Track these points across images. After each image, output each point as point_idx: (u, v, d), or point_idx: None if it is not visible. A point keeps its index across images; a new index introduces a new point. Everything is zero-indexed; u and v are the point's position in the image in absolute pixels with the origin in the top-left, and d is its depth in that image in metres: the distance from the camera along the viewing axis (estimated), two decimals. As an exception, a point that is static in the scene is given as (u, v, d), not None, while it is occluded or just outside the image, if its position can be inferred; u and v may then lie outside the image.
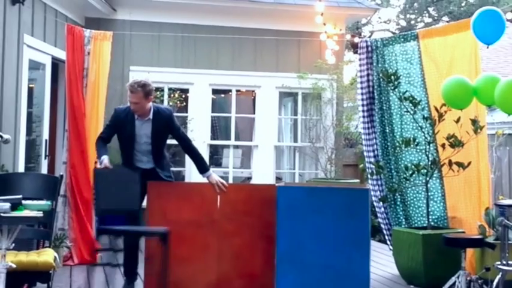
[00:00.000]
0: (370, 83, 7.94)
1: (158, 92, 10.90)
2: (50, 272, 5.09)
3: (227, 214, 6.33)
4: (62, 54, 8.52)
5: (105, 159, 6.21)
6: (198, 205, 6.33)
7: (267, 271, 6.26)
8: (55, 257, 5.09)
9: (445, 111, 7.15)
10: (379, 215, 7.91)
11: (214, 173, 6.40)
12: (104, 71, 8.30)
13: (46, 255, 5.07)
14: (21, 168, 7.78)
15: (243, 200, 6.35)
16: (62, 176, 6.07)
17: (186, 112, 10.94)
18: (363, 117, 7.96)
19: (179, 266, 6.27)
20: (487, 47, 6.76)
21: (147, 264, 6.28)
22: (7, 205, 4.49)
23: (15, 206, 4.57)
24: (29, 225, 5.68)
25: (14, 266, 4.67)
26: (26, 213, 4.58)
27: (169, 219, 6.27)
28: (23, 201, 4.65)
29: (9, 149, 7.47)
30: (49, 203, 4.84)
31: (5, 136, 5.48)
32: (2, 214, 4.45)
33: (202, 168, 6.42)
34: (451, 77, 6.94)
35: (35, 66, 8.43)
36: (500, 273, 6.12)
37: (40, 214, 4.61)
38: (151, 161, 6.47)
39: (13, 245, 4.68)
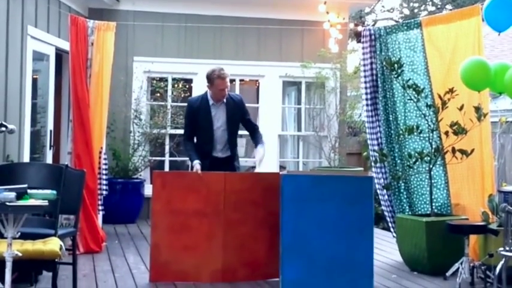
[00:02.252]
0: (374, 72, 7.94)
1: (162, 82, 10.94)
2: (56, 260, 5.12)
3: (232, 203, 6.37)
4: (65, 45, 8.54)
5: (197, 164, 6.47)
6: (203, 195, 6.36)
7: (272, 259, 6.30)
8: (61, 246, 5.12)
9: (449, 99, 7.15)
10: (382, 202, 7.94)
11: (262, 149, 6.66)
12: (108, 62, 8.33)
13: (52, 244, 5.10)
14: (26, 159, 7.82)
15: (248, 189, 6.39)
16: (66, 166, 6.09)
17: (190, 102, 10.94)
18: (367, 105, 7.97)
19: (185, 255, 6.31)
20: (498, 34, 6.77)
21: (153, 253, 6.31)
22: (13, 194, 4.52)
23: (21, 195, 4.60)
24: (35, 214, 5.73)
25: (20, 254, 4.71)
26: (31, 202, 4.62)
27: (174, 208, 6.31)
28: (28, 191, 4.68)
29: (14, 140, 7.51)
30: (54, 192, 4.86)
31: (10, 126, 5.52)
32: (8, 203, 4.49)
33: (257, 143, 6.76)
34: (472, 58, 6.93)
35: (39, 57, 8.46)
36: (503, 259, 6.14)
37: (45, 203, 4.64)
38: (228, 149, 6.75)
39: (19, 233, 4.72)
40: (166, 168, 10.91)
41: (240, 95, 7.22)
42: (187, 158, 6.89)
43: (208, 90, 6.78)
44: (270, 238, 6.38)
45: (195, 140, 6.84)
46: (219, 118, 6.69)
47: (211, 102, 6.71)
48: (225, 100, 6.71)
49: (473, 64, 6.80)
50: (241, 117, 6.85)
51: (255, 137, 6.90)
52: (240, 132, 7.06)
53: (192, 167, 6.56)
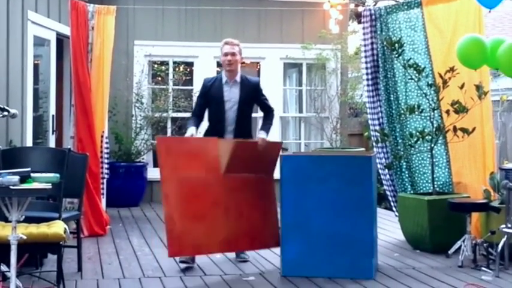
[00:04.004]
0: (374, 52, 7.94)
1: (163, 66, 10.95)
2: (61, 243, 5.16)
3: (230, 170, 6.27)
4: (66, 30, 8.55)
5: (190, 130, 6.33)
6: (206, 161, 6.24)
7: (268, 228, 6.27)
8: (65, 229, 5.16)
9: (449, 78, 7.15)
10: (384, 182, 7.96)
11: (264, 135, 6.52)
12: (108, 46, 8.34)
13: (56, 227, 5.13)
14: (29, 144, 7.87)
15: (244, 156, 6.29)
16: (69, 150, 6.12)
17: (192, 85, 10.98)
18: (367, 85, 7.97)
19: (196, 226, 6.13)
20: (489, 11, 6.76)
21: (169, 225, 6.11)
22: (16, 178, 4.55)
23: (24, 178, 4.62)
24: (39, 198, 5.77)
25: (24, 237, 4.74)
26: (34, 185, 4.64)
27: (181, 176, 6.12)
28: (32, 174, 4.71)
29: (17, 125, 7.54)
30: (57, 175, 4.89)
31: (12, 111, 5.54)
32: (12, 187, 4.52)
33: (264, 129, 6.61)
34: (468, 35, 6.92)
35: (39, 42, 8.48)
36: (505, 236, 6.20)
37: (49, 186, 4.67)
38: (240, 131, 6.51)
39: (23, 217, 4.75)
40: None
41: (258, 79, 7.15)
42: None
43: (223, 70, 6.67)
44: (265, 206, 6.37)
45: (205, 120, 6.71)
46: (231, 98, 6.51)
47: (224, 80, 6.55)
48: (238, 79, 6.55)
49: (469, 42, 6.79)
50: (255, 98, 6.69)
51: (264, 119, 6.77)
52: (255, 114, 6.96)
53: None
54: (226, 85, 6.55)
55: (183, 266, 6.29)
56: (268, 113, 6.78)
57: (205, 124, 6.75)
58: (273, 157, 6.43)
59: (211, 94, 6.55)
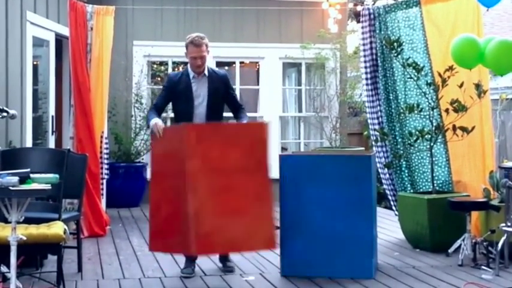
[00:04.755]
0: (373, 51, 7.94)
1: (162, 66, 10.95)
2: (61, 244, 5.16)
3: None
4: (65, 31, 8.54)
5: (154, 120, 5.78)
6: (244, 148, 5.66)
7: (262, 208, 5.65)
8: (65, 230, 5.16)
9: (448, 77, 7.15)
10: (384, 181, 7.96)
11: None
12: (107, 46, 8.34)
13: (56, 228, 5.13)
14: (28, 145, 7.87)
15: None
16: (69, 150, 6.12)
17: (191, 85, 10.96)
18: (367, 84, 7.98)
19: (232, 221, 5.56)
20: (487, 10, 6.77)
21: (195, 222, 5.44)
22: (15, 179, 4.54)
23: (24, 179, 4.62)
24: (38, 199, 5.77)
25: (24, 238, 4.74)
26: (34, 186, 4.64)
27: (214, 166, 5.56)
28: (31, 175, 4.70)
29: (17, 126, 7.54)
30: (57, 175, 4.88)
31: (11, 111, 5.53)
32: (11, 187, 4.51)
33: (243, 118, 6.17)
34: (461, 35, 6.92)
35: (38, 43, 8.48)
36: (505, 234, 6.20)
37: (48, 187, 4.66)
38: None
39: (23, 218, 4.75)
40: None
41: (225, 71, 6.68)
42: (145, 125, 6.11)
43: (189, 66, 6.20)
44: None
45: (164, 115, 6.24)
46: (200, 93, 6.08)
47: (192, 75, 6.10)
48: (206, 73, 6.11)
49: (463, 42, 6.80)
50: (224, 93, 6.18)
51: (239, 117, 6.21)
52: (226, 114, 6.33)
53: (149, 127, 5.87)
54: (194, 80, 6.12)
55: (184, 275, 6.09)
56: (239, 110, 6.27)
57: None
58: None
59: (179, 90, 6.10)
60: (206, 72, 6.15)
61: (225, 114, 6.30)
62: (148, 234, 5.88)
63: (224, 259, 6.34)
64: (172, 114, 10.54)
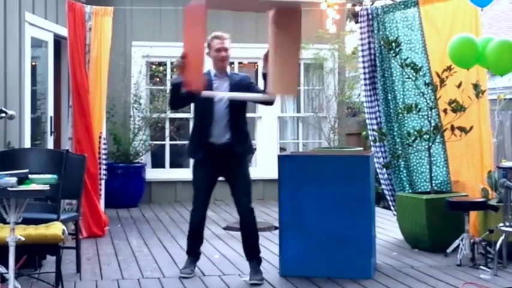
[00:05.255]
0: (372, 51, 7.95)
1: (161, 67, 10.95)
2: (59, 244, 5.16)
3: None
4: (63, 31, 8.54)
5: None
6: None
7: None
8: (63, 230, 5.15)
9: (447, 77, 7.16)
10: (382, 181, 7.97)
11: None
12: (106, 47, 8.34)
13: (55, 228, 5.13)
14: (27, 146, 7.87)
15: None
16: (67, 151, 6.12)
17: (189, 86, 10.96)
18: (365, 85, 7.98)
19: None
20: (481, 10, 6.78)
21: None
22: (14, 179, 4.55)
23: (22, 180, 4.62)
24: (37, 199, 5.76)
25: (22, 239, 4.74)
26: (32, 187, 4.64)
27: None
28: (30, 176, 4.71)
29: (15, 127, 7.54)
30: (55, 176, 4.89)
31: (10, 112, 5.52)
32: (9, 188, 4.51)
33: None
34: (459, 35, 6.92)
35: (37, 43, 8.48)
36: (504, 234, 6.21)
37: (47, 187, 4.67)
38: (229, 132, 5.91)
39: (21, 218, 4.75)
40: (167, 152, 10.99)
41: (246, 73, 6.61)
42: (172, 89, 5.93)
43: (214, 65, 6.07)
44: None
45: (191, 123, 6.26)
46: (221, 90, 5.93)
47: (213, 73, 5.98)
48: (228, 72, 6.07)
49: (460, 42, 6.80)
50: (246, 91, 5.99)
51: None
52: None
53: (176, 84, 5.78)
54: (215, 78, 6.00)
55: (183, 275, 6.05)
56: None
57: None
58: None
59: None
60: (228, 72, 6.12)
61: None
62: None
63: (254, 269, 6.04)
64: (170, 115, 10.65)
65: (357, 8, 11.44)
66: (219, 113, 5.90)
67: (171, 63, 10.92)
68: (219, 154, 5.92)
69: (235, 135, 5.94)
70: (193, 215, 6.18)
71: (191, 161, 10.88)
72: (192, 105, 6.47)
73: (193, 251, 6.24)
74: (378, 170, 7.87)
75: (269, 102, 6.13)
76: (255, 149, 10.90)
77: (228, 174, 6.04)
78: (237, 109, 5.98)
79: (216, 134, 5.90)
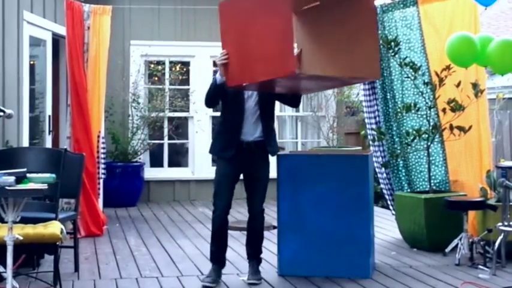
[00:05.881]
0: (371, 50, 7.93)
1: (159, 66, 10.94)
2: (58, 243, 5.16)
3: None
4: (62, 30, 8.54)
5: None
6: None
7: None
8: (62, 229, 5.15)
9: (446, 76, 7.15)
10: (381, 180, 7.97)
11: None
12: (104, 46, 8.33)
13: (53, 228, 5.13)
14: (25, 144, 7.87)
15: None
16: (65, 150, 6.11)
17: (188, 85, 10.98)
18: (364, 84, 7.97)
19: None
20: (485, 9, 6.77)
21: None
22: (12, 178, 4.53)
23: (20, 179, 4.61)
24: (35, 198, 5.76)
25: (20, 238, 4.73)
26: (30, 186, 4.63)
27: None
28: (28, 175, 4.70)
29: (13, 126, 7.53)
30: (53, 175, 4.88)
31: (8, 111, 5.51)
32: (7, 187, 4.50)
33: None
34: (457, 33, 6.91)
35: (35, 42, 8.47)
36: (502, 234, 6.20)
37: (45, 186, 4.66)
38: (260, 130, 5.78)
39: (19, 218, 4.74)
40: (165, 152, 10.99)
41: None
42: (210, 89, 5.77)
43: None
44: None
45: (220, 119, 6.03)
46: (250, 93, 5.75)
47: None
48: None
49: (458, 40, 6.79)
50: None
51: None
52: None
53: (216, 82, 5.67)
54: None
55: (204, 283, 5.75)
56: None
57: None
58: None
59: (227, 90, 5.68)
60: None
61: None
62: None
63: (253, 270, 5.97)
64: (169, 114, 10.64)
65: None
66: (249, 109, 5.77)
67: (170, 62, 10.92)
68: (248, 151, 5.77)
69: (266, 131, 5.81)
70: (214, 217, 5.86)
71: (191, 161, 11.04)
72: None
73: (217, 258, 5.88)
74: (377, 170, 7.87)
75: (295, 102, 6.09)
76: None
77: (251, 172, 5.88)
78: (266, 105, 5.83)
79: (247, 132, 5.77)
